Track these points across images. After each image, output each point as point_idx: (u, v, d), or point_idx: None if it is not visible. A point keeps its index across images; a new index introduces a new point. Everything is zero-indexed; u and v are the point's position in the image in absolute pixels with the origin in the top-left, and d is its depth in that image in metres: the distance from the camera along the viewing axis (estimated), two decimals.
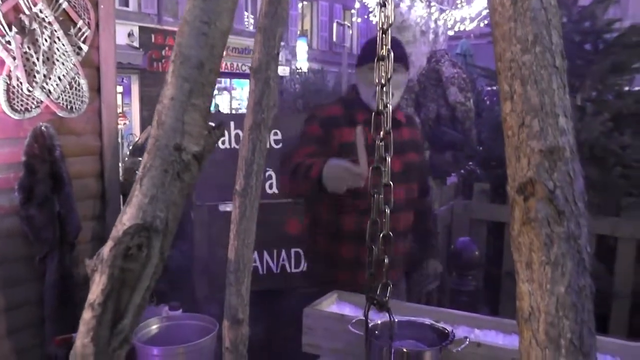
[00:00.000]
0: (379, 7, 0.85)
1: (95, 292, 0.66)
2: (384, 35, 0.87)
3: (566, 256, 0.42)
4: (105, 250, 0.66)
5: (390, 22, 0.86)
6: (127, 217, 0.67)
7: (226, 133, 3.10)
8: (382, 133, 1.22)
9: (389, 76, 2.05)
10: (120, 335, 0.66)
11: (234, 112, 19.19)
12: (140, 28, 16.28)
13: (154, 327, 1.91)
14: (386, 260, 1.08)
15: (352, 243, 2.21)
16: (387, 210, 1.14)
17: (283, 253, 3.17)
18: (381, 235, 1.15)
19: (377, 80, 2.02)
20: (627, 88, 3.66)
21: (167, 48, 16.83)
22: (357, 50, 24.03)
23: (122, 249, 0.65)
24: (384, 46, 0.88)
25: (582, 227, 0.43)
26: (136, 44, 16.03)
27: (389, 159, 1.20)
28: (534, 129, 0.44)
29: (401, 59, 2.18)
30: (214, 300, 2.87)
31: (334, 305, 1.98)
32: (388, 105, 1.20)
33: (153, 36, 16.75)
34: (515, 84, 0.45)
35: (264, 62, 1.12)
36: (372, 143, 2.07)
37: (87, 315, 0.66)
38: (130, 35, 15.92)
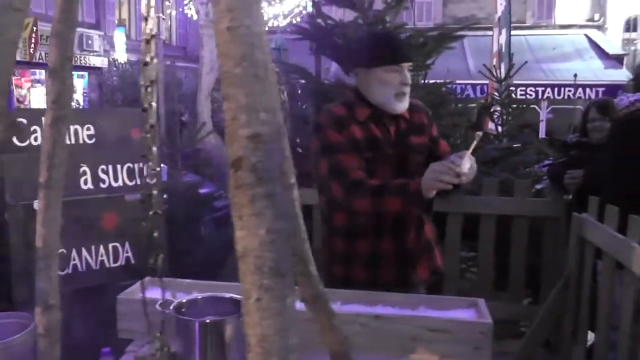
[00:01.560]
0: (144, 20, 0.99)
1: None
2: (147, 45, 1.01)
3: (266, 208, 0.61)
4: None
5: (153, 33, 1.00)
6: None
7: (39, 130, 3.01)
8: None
9: (408, 81, 2.20)
10: None
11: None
12: None
13: None
14: (155, 235, 1.24)
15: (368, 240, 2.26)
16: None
17: (101, 248, 3.16)
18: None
19: (396, 83, 2.14)
20: (423, 81, 4.19)
21: None
22: (177, 42, 23.54)
23: None
24: (147, 54, 1.02)
25: (278, 188, 0.62)
26: None
27: None
28: (242, 121, 0.62)
29: (412, 59, 2.30)
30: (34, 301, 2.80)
31: (146, 290, 2.09)
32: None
33: None
34: (230, 89, 0.63)
35: (59, 63, 1.20)
36: (383, 137, 2.20)
37: None
38: None
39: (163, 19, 16.58)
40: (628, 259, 2.45)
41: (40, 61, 18.26)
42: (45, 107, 1.14)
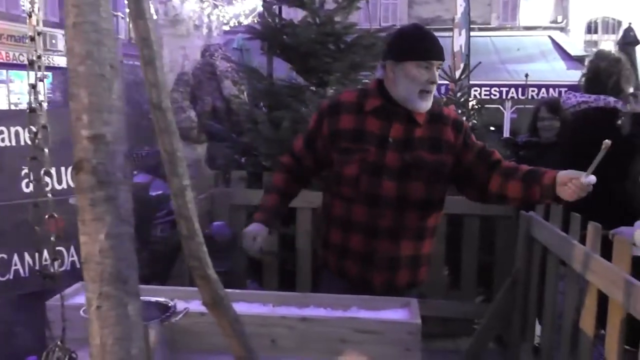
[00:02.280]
0: (28, 16, 0.96)
1: None
2: (32, 42, 0.97)
3: (106, 213, 0.59)
4: None
5: (38, 30, 0.97)
6: None
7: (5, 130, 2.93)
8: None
9: (436, 79, 2.16)
10: None
11: (13, 107, 17.44)
12: None
13: None
14: (52, 239, 1.21)
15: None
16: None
17: (45, 253, 3.08)
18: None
19: (423, 80, 2.10)
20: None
21: None
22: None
23: None
24: (32, 51, 0.99)
25: (120, 191, 0.60)
26: None
27: None
28: (84, 121, 0.60)
29: (443, 57, 2.22)
30: None
31: (78, 295, 2.04)
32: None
33: None
34: (74, 88, 0.60)
35: None
36: (379, 133, 2.17)
37: None
38: None
39: (122, 17, 16.36)
40: (569, 257, 2.49)
41: (1, 61, 17.88)
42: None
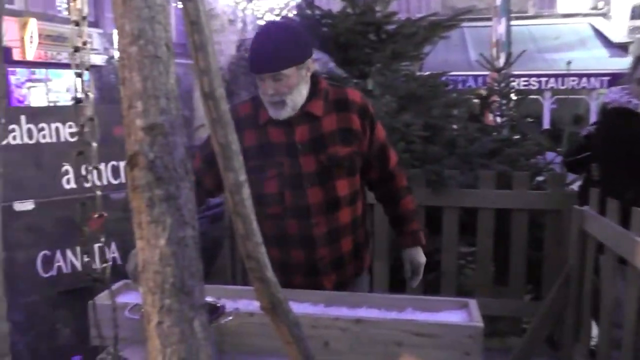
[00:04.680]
0: (72, 0, 0.89)
1: None
2: (77, 28, 0.90)
3: (166, 214, 0.51)
4: None
5: (83, 14, 0.90)
6: None
7: (17, 129, 2.94)
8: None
9: (268, 91, 1.92)
10: None
11: (50, 104, 17.80)
12: None
13: None
14: (102, 239, 1.15)
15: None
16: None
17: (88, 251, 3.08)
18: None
19: (265, 93, 1.97)
20: (419, 73, 4.07)
21: None
22: (176, 38, 23.41)
23: None
24: (78, 38, 0.92)
25: (182, 189, 0.52)
26: None
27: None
28: (138, 109, 0.52)
29: (277, 68, 1.96)
30: (16, 306, 2.72)
31: (121, 295, 2.00)
32: None
33: None
34: (125, 71, 0.52)
35: None
36: (285, 141, 2.02)
37: None
38: None
39: None
40: (631, 254, 2.34)
41: (40, 60, 18.25)
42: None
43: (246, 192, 0.88)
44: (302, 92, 2.02)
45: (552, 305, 3.14)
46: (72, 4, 0.86)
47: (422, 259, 2.31)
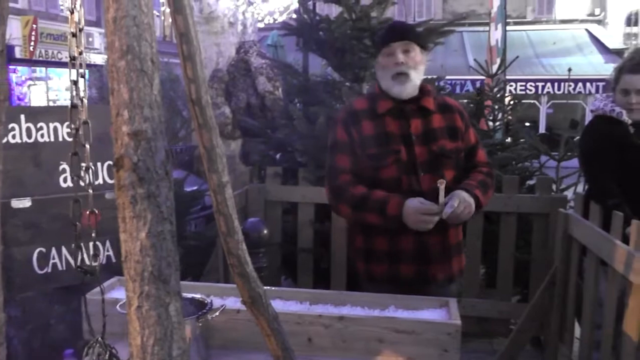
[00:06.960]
0: (70, 13, 0.95)
1: None
2: (74, 38, 0.97)
3: (147, 210, 0.57)
4: None
5: (80, 27, 0.97)
6: None
7: (16, 127, 3.00)
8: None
9: (399, 60, 2.16)
10: None
11: (51, 103, 17.85)
12: None
13: None
14: (93, 235, 1.21)
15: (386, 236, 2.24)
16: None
17: (82, 247, 3.13)
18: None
19: (391, 65, 2.17)
20: None
21: None
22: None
23: None
24: (74, 48, 0.98)
25: (162, 188, 0.58)
26: None
27: None
28: (125, 117, 0.58)
29: (408, 37, 2.22)
30: (14, 302, 2.78)
31: (114, 290, 2.06)
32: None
33: None
34: (114, 83, 0.59)
35: None
36: (400, 132, 2.19)
37: None
38: None
39: (157, 15, 16.54)
40: (611, 257, 2.41)
41: (40, 59, 18.32)
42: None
43: (229, 192, 0.95)
44: (420, 76, 2.25)
45: (537, 307, 3.21)
46: (70, 17, 0.93)
47: (469, 198, 2.16)
